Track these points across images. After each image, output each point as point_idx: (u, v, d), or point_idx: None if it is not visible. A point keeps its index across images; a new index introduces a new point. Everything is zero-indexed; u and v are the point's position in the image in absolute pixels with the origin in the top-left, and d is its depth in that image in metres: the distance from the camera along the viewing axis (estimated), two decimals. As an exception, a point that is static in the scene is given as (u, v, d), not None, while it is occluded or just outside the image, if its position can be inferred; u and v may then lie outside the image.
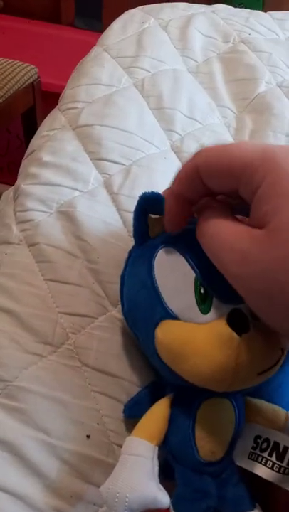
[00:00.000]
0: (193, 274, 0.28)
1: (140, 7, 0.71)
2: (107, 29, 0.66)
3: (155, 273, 0.29)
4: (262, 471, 0.28)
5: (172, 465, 0.31)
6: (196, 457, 0.29)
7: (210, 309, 0.27)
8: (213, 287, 0.27)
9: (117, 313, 0.36)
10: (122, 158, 0.44)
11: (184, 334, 0.27)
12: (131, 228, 0.40)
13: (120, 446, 0.32)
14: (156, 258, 0.29)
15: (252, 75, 0.57)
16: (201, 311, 0.27)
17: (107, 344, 0.34)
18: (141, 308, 0.29)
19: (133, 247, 0.33)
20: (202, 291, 0.27)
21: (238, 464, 0.30)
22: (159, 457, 0.29)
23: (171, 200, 0.27)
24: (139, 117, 0.48)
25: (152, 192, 0.29)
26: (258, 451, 0.29)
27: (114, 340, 0.35)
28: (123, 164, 0.44)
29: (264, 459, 0.28)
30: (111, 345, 0.35)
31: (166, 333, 0.28)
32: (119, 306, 0.36)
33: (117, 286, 0.36)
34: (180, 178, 0.26)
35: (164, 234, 0.30)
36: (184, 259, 0.28)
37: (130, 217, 0.40)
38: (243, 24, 0.66)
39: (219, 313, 0.27)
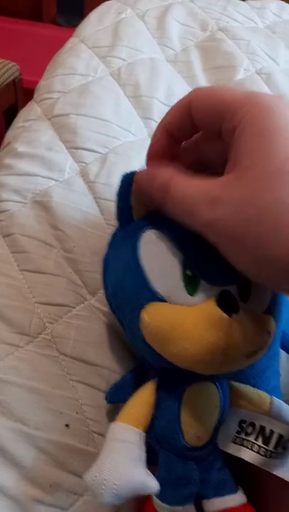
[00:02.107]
0: (180, 256, 0.27)
1: (117, -2, 0.70)
2: (84, 20, 0.66)
3: (140, 255, 0.28)
4: (248, 455, 0.28)
5: (156, 450, 0.30)
6: (181, 442, 0.29)
7: (197, 291, 0.27)
8: (201, 269, 0.27)
9: (95, 302, 0.36)
10: (98, 147, 0.44)
11: (172, 316, 0.26)
12: (108, 216, 0.39)
13: (100, 434, 0.32)
14: (142, 240, 0.28)
15: (230, 63, 0.56)
16: (188, 293, 0.27)
17: (84, 333, 0.34)
18: (126, 291, 0.29)
19: (117, 230, 0.32)
20: (189, 273, 0.27)
21: (221, 448, 0.29)
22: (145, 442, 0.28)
23: (160, 132, 0.28)
24: (116, 106, 0.48)
25: (137, 171, 0.29)
26: (243, 436, 0.29)
27: (92, 329, 0.34)
28: (99, 152, 0.43)
29: (250, 443, 0.28)
30: (89, 333, 0.34)
31: (153, 315, 0.27)
32: (98, 295, 0.36)
33: (95, 275, 0.36)
34: (172, 112, 0.27)
35: (149, 216, 0.29)
36: (170, 242, 0.27)
37: (107, 205, 0.40)
38: (221, 13, 0.65)
39: (207, 295, 0.26)
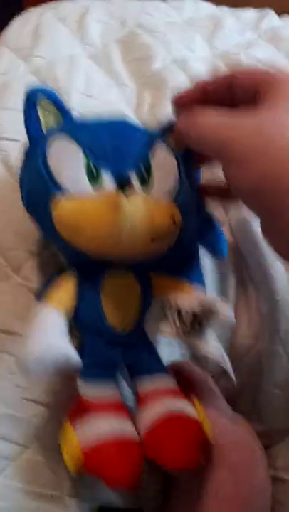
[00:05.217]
0: (83, 157, 0.29)
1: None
2: (8, 26, 0.67)
3: (48, 157, 0.30)
4: (168, 333, 0.31)
5: (83, 339, 0.32)
6: (105, 324, 0.31)
7: (99, 181, 0.29)
8: (100, 159, 0.29)
9: (19, 279, 0.36)
10: (18, 135, 0.45)
11: (78, 207, 0.28)
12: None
13: (28, 400, 0.32)
14: (49, 144, 0.30)
15: (147, 54, 0.59)
16: (91, 185, 0.29)
17: (8, 307, 0.35)
18: (37, 192, 0.30)
19: (27, 148, 0.33)
20: (91, 165, 0.29)
21: (150, 334, 0.32)
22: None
23: (195, 84, 0.32)
24: (35, 98, 0.49)
25: (41, 86, 0.31)
26: (166, 320, 0.32)
27: (16, 303, 0.35)
28: (19, 140, 0.45)
29: (170, 324, 0.31)
30: (13, 307, 0.35)
31: (61, 210, 0.29)
32: (22, 272, 0.37)
33: (17, 253, 0.37)
34: (212, 77, 0.32)
35: (58, 126, 0.31)
36: (74, 140, 0.29)
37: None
38: (139, 10, 0.68)
39: (107, 183, 0.29)
